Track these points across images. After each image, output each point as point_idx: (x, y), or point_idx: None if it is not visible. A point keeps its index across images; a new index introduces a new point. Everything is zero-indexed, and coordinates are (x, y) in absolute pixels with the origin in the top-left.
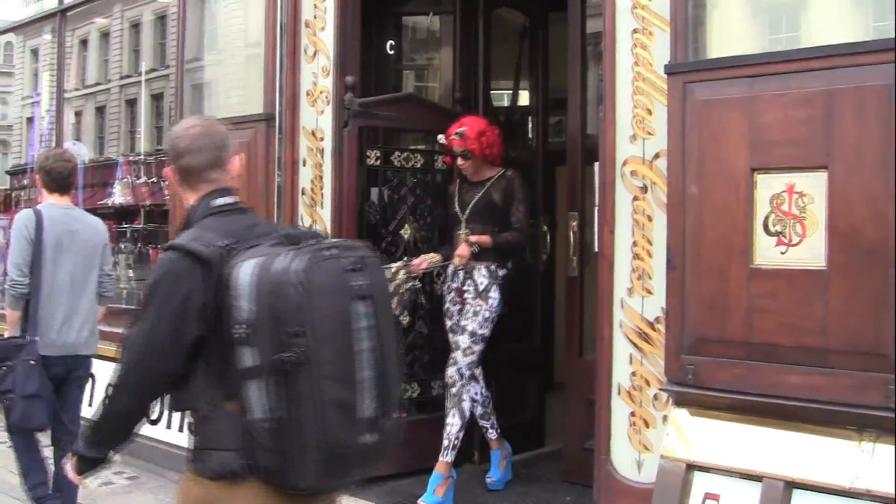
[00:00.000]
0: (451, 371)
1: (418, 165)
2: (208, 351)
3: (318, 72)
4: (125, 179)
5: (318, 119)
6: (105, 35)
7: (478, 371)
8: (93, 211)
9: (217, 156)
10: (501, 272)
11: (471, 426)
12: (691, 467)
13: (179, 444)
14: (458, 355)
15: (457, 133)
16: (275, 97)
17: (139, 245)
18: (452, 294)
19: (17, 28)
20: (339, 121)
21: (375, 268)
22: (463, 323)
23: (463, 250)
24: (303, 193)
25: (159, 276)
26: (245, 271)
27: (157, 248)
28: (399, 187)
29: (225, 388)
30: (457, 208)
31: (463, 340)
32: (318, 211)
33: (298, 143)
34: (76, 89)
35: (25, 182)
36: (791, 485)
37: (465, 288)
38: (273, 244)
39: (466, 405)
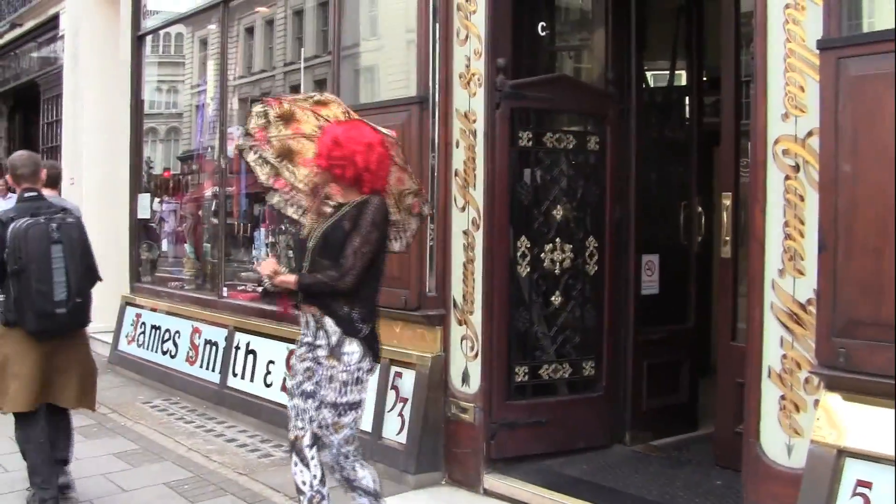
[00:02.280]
0: (326, 457)
1: (571, 147)
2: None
3: (471, 54)
4: None
5: (470, 101)
6: (269, 23)
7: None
8: (255, 195)
9: (32, 170)
10: (358, 321)
11: (630, 403)
12: (843, 453)
13: None
14: (326, 434)
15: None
16: (428, 80)
17: (299, 226)
18: (303, 349)
19: (185, 19)
20: (492, 103)
21: (68, 228)
22: (322, 393)
23: (265, 267)
24: (456, 174)
25: None
26: (10, 228)
27: None
28: (551, 168)
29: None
30: (314, 235)
31: (327, 416)
32: (470, 192)
33: (451, 125)
34: (242, 77)
35: (194, 167)
36: None
37: (318, 342)
38: (27, 216)
39: (366, 478)
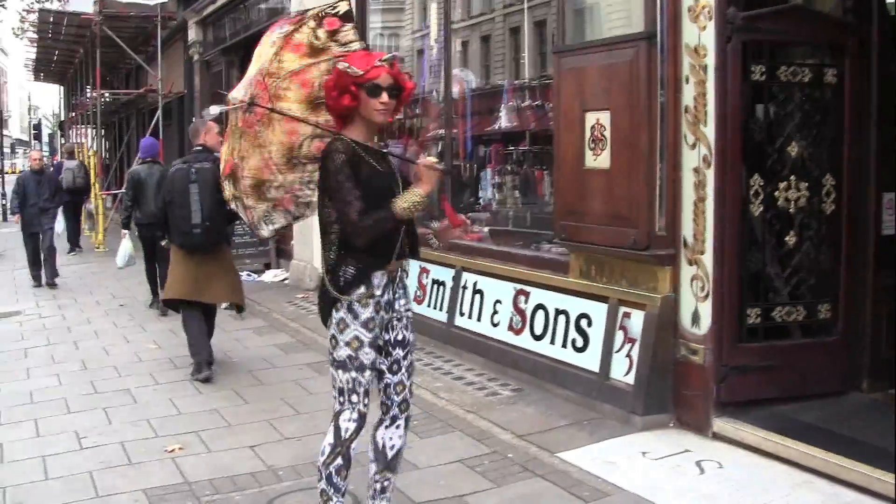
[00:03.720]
0: (406, 396)
1: (806, 80)
2: None
3: None
4: (511, 105)
5: (700, 35)
6: None
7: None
8: (479, 137)
9: (196, 132)
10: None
11: (869, 349)
12: None
13: (561, 358)
14: (406, 379)
15: (386, 59)
16: (655, 15)
17: (524, 167)
18: (380, 315)
19: None
20: (722, 36)
21: (204, 172)
22: (411, 339)
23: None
24: (685, 111)
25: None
26: (169, 171)
27: (542, 170)
28: (786, 103)
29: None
30: (390, 181)
31: (413, 360)
32: (701, 128)
33: (680, 61)
34: (462, 20)
35: (417, 111)
36: None
37: (396, 295)
38: (182, 163)
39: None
